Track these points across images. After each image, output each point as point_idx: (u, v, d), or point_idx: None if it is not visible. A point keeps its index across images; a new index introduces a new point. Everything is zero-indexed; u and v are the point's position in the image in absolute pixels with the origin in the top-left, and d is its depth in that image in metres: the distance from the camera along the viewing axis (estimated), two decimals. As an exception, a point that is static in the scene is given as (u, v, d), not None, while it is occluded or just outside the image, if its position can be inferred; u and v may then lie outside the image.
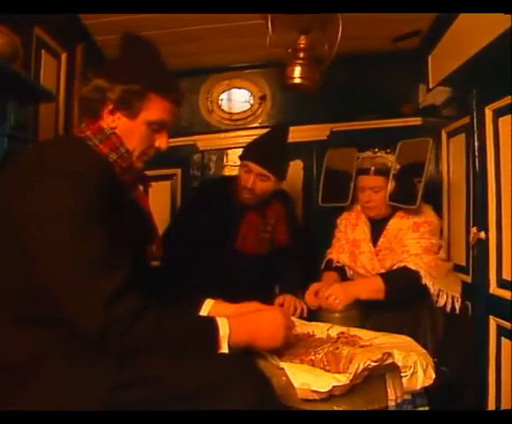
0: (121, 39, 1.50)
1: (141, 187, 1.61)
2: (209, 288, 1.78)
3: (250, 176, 2.41)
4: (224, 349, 1.31)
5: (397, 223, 2.42)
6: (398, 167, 2.39)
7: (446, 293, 2.21)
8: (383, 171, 2.41)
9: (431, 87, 2.96)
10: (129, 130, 1.44)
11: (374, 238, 2.49)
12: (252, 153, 2.47)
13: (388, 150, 2.46)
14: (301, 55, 2.36)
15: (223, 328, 1.33)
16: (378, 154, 2.46)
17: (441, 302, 2.20)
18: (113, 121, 1.43)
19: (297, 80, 2.38)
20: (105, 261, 1.22)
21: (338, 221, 2.75)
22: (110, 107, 1.42)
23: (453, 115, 2.76)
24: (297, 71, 2.37)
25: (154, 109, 1.44)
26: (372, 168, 2.43)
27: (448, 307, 2.21)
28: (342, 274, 2.59)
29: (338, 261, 2.62)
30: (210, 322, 1.35)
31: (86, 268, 1.20)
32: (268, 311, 1.55)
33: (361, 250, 2.51)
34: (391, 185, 2.38)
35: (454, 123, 2.73)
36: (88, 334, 1.21)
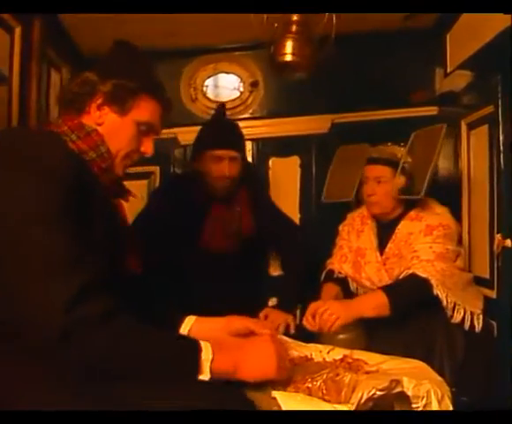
0: (113, 45, 1.65)
1: (123, 202, 1.69)
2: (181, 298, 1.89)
3: (223, 163, 2.58)
4: (205, 374, 1.33)
5: (408, 227, 2.42)
6: (410, 160, 2.41)
7: (463, 308, 2.21)
8: (390, 162, 2.46)
9: (449, 71, 2.99)
10: (117, 128, 1.55)
11: (381, 245, 2.51)
12: (215, 140, 2.62)
13: (402, 144, 2.52)
14: (293, 28, 2.34)
15: (206, 351, 1.34)
16: (390, 147, 2.52)
17: (458, 318, 2.20)
18: (100, 117, 1.53)
19: (289, 57, 2.40)
20: (71, 259, 1.24)
21: (340, 228, 2.80)
22: (99, 101, 1.53)
23: (474, 104, 2.75)
24: (289, 46, 2.38)
25: (145, 109, 1.57)
26: (379, 157, 2.49)
27: (467, 325, 2.21)
28: (345, 286, 2.60)
29: (340, 272, 2.65)
30: (192, 343, 1.38)
31: (50, 263, 1.22)
32: (259, 338, 1.57)
33: (366, 260, 2.53)
34: (401, 180, 2.40)
35: (475, 113, 2.71)
36: (48, 337, 1.20)
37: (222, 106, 2.88)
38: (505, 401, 2.16)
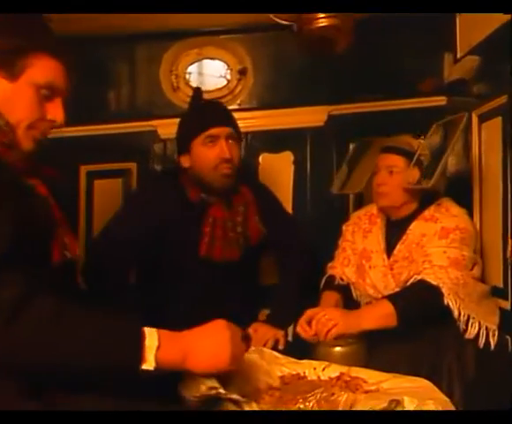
0: None
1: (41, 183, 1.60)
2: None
3: (219, 144, 2.44)
4: (150, 363, 1.33)
5: (421, 228, 2.40)
6: (427, 152, 2.40)
7: (478, 322, 2.16)
8: (405, 151, 2.46)
9: (459, 56, 2.97)
10: (10, 95, 1.49)
11: (390, 247, 2.50)
12: (205, 120, 2.50)
13: (423, 137, 2.53)
14: None
15: (151, 338, 1.35)
16: (406, 137, 2.56)
17: (472, 333, 2.15)
18: None
19: (323, 21, 2.35)
20: None
21: (344, 228, 2.79)
22: None
23: (486, 93, 2.73)
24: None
25: (43, 69, 1.51)
26: (393, 145, 2.51)
27: (481, 342, 2.16)
28: (347, 294, 2.60)
29: (342, 278, 2.63)
30: (134, 329, 1.38)
31: None
32: (212, 324, 1.53)
33: (372, 263, 2.52)
34: (415, 173, 2.39)
35: (487, 103, 2.67)
36: None
37: (198, 90, 2.75)
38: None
